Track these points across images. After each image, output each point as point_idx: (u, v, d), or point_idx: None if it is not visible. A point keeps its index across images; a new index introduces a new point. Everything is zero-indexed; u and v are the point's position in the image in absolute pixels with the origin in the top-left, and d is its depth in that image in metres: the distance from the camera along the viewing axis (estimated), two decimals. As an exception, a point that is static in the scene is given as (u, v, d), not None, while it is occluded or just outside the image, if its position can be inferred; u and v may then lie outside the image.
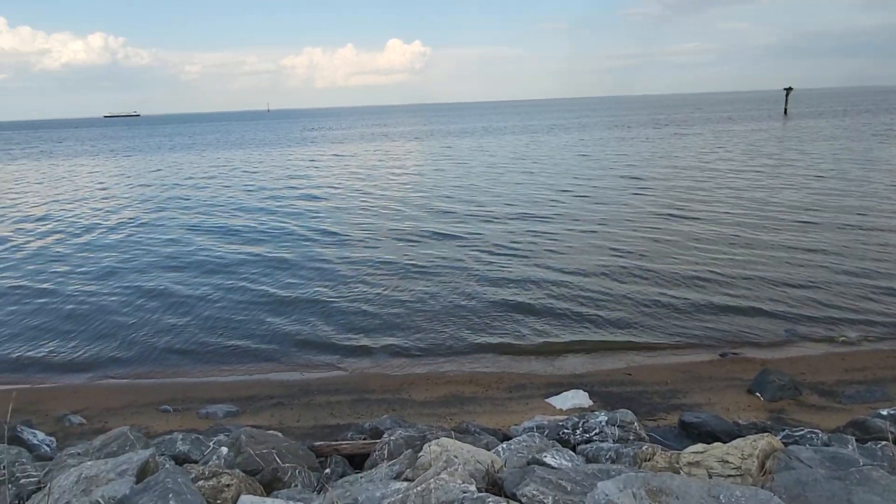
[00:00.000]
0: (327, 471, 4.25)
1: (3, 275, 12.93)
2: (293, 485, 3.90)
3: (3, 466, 3.66)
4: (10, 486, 3.20)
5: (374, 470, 4.02)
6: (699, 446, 3.39)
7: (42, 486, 3.16)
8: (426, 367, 7.86)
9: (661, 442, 5.03)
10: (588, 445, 4.44)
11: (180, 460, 4.13)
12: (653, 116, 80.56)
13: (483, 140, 48.75)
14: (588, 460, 4.09)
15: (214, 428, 5.79)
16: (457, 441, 3.54)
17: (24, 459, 4.06)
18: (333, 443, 4.79)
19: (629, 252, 12.55)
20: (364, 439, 5.06)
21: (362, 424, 5.63)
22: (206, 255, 13.91)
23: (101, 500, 2.52)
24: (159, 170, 34.52)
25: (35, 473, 3.54)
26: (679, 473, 3.27)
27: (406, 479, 3.45)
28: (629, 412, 5.25)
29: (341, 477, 4.23)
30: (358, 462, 4.67)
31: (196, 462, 4.06)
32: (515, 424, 5.81)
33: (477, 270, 11.69)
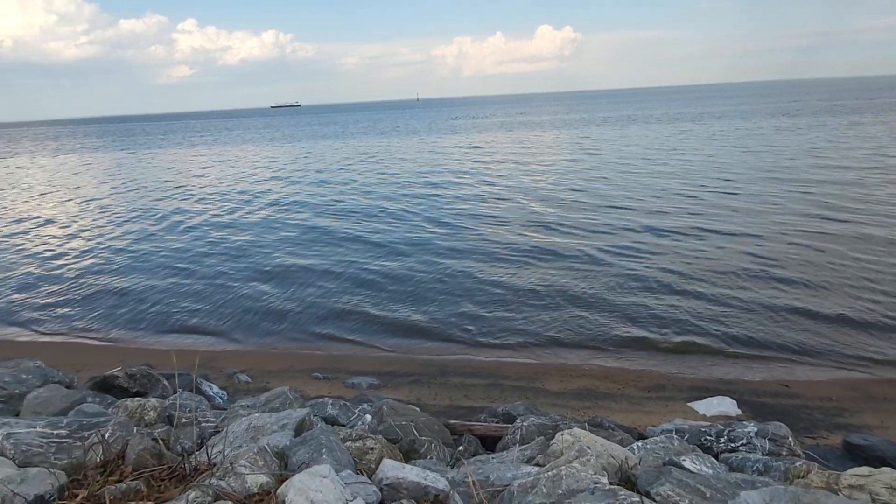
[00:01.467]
0: (461, 448, 4.42)
1: (176, 248, 14.81)
2: (428, 457, 4.11)
3: (190, 411, 4.28)
4: (193, 427, 3.71)
5: (505, 452, 4.12)
6: (864, 469, 3.05)
7: (219, 430, 3.63)
8: (561, 359, 7.81)
9: (819, 461, 4.58)
10: (732, 455, 4.17)
11: (329, 422, 4.52)
12: (831, 102, 71.40)
13: (627, 129, 46.35)
14: (731, 469, 3.85)
15: (359, 397, 6.23)
16: (590, 433, 3.51)
17: (203, 407, 4.68)
18: (467, 423, 4.96)
19: (785, 257, 11.34)
20: (497, 423, 5.17)
21: (495, 408, 5.75)
22: (348, 237, 14.84)
23: (266, 447, 2.85)
24: (306, 156, 37.33)
25: (213, 420, 4.07)
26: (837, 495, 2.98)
27: (537, 465, 3.50)
28: (783, 426, 4.83)
29: (473, 455, 4.38)
30: (489, 444, 4.80)
31: (343, 426, 4.41)
32: (653, 425, 5.60)
33: (610, 266, 11.29)
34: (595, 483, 2.73)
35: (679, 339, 8.11)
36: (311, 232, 15.79)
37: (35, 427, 3.23)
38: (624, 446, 4.01)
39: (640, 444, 4.00)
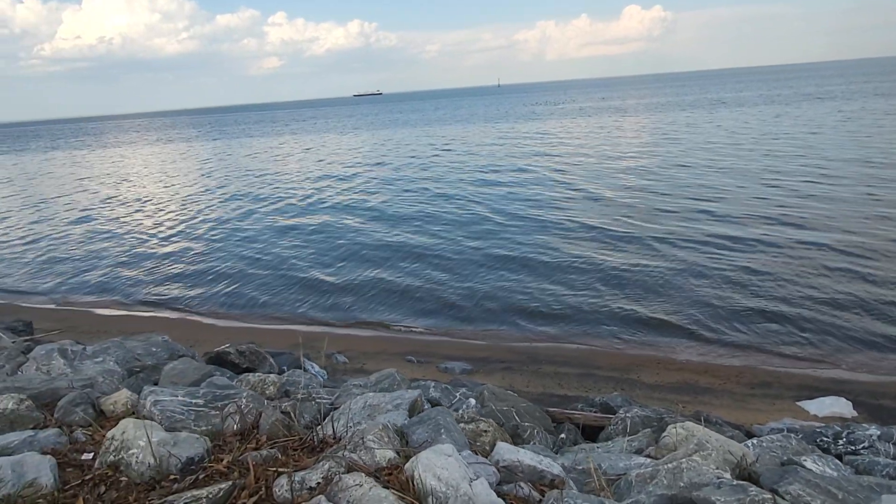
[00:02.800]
0: (562, 435, 4.43)
1: (268, 234, 15.53)
2: (532, 443, 4.15)
3: (303, 387, 4.53)
4: (312, 402, 3.92)
5: (610, 443, 4.09)
6: None
7: (335, 406, 3.82)
8: (656, 351, 7.62)
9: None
10: (857, 457, 3.94)
11: (433, 404, 4.65)
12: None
13: (716, 113, 43.91)
14: (857, 472, 3.65)
15: (454, 381, 6.36)
16: (704, 427, 3.43)
17: (314, 384, 4.93)
18: (567, 411, 4.96)
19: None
20: (595, 412, 5.13)
21: (592, 398, 5.71)
22: (431, 221, 15.03)
23: (387, 424, 2.98)
24: (384, 143, 38.01)
25: (326, 396, 4.29)
26: None
27: (648, 456, 3.46)
28: (911, 430, 4.51)
29: (574, 444, 4.38)
30: (588, 433, 4.77)
31: (446, 409, 4.53)
32: (759, 423, 5.38)
33: (702, 257, 10.81)
34: (719, 478, 2.67)
35: (786, 335, 7.70)
36: (394, 219, 16.15)
37: (177, 396, 3.54)
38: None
39: (755, 441, 3.86)
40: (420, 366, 7.49)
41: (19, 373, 4.24)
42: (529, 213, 15.54)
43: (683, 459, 2.80)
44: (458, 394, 4.88)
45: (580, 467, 3.19)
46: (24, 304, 11.46)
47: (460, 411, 4.12)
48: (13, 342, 5.63)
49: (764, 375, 6.76)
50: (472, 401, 4.41)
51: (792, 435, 4.15)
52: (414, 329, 8.96)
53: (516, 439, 4.14)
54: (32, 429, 3.30)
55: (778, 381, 6.60)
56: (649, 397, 6.28)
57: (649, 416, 4.38)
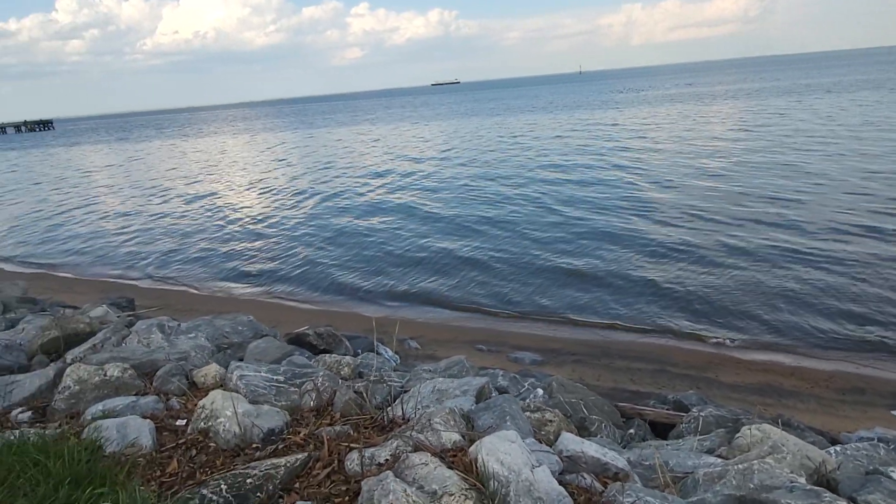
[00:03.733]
0: (631, 430, 4.38)
1: (346, 218, 16.00)
2: (599, 436, 4.13)
3: (376, 369, 4.71)
4: (384, 384, 4.08)
5: (680, 440, 4.01)
6: None
7: (406, 389, 3.96)
8: (735, 350, 7.32)
9: None
10: (957, 474, 3.66)
11: (500, 392, 4.71)
12: None
13: (812, 99, 40.81)
14: (956, 490, 3.40)
15: (523, 371, 6.39)
16: (781, 431, 3.30)
17: (386, 368, 5.11)
18: (637, 406, 4.89)
19: None
20: (668, 410, 5.02)
21: (665, 395, 5.58)
22: (500, 217, 14.98)
23: (454, 409, 3.07)
24: (457, 132, 38.03)
25: (397, 380, 4.44)
26: None
27: (719, 457, 3.38)
28: None
29: (643, 440, 4.32)
30: (659, 430, 4.68)
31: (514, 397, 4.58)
32: (848, 431, 5.08)
33: (787, 254, 10.20)
34: (792, 482, 2.58)
35: (883, 341, 7.18)
36: (463, 205, 16.23)
37: (260, 372, 3.79)
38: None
39: (839, 448, 3.67)
40: (490, 354, 7.56)
41: (123, 344, 4.66)
42: (602, 203, 15.20)
43: (755, 461, 2.73)
44: (525, 383, 4.92)
45: (647, 463, 3.16)
46: (125, 282, 12.44)
47: (527, 400, 4.16)
48: (118, 317, 6.17)
49: (857, 381, 6.35)
50: (540, 391, 4.44)
51: (881, 445, 3.91)
52: (486, 316, 9.03)
53: (583, 432, 4.13)
54: (134, 395, 3.64)
55: (872, 388, 6.18)
56: (727, 398, 6.06)
57: (724, 417, 4.25)
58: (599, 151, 24.64)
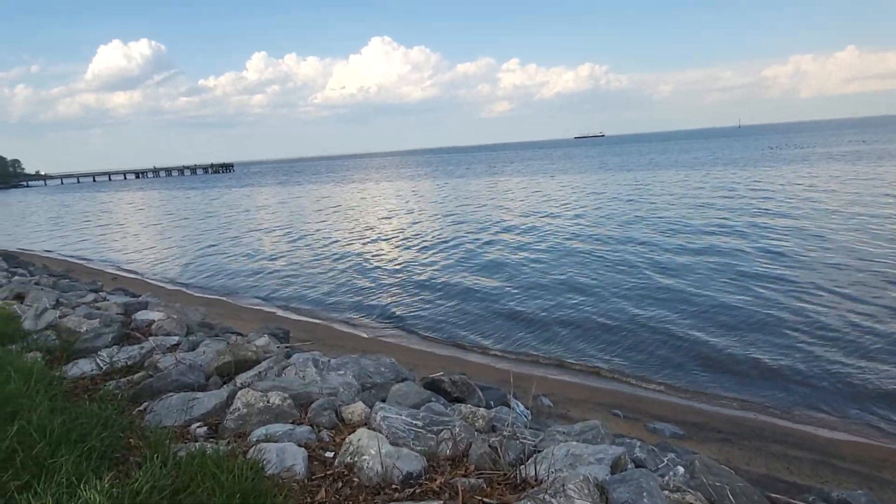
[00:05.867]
0: (786, 528, 3.97)
1: (475, 272, 16.23)
2: (747, 528, 3.79)
3: (509, 424, 4.74)
4: (517, 440, 4.10)
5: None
6: None
7: (538, 449, 3.95)
8: (921, 450, 6.34)
9: None
10: None
11: (637, 465, 4.50)
12: None
13: None
14: None
15: (662, 444, 6.03)
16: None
17: (519, 423, 5.11)
18: (794, 501, 4.41)
19: None
20: (831, 509, 4.48)
21: (828, 492, 4.97)
22: (642, 272, 14.36)
23: (588, 476, 3.02)
24: (601, 189, 37.20)
25: (529, 438, 4.43)
26: None
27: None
28: None
29: (800, 540, 3.89)
30: (820, 532, 4.19)
31: (652, 472, 4.35)
32: None
33: None
34: None
35: None
36: (595, 263, 15.82)
37: (401, 415, 4.00)
38: None
39: None
40: (626, 421, 7.23)
41: (283, 375, 5.15)
42: (752, 268, 14.07)
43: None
44: (665, 458, 4.65)
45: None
46: (281, 314, 13.66)
47: (666, 478, 3.95)
48: (277, 347, 6.81)
49: None
50: (681, 469, 4.18)
51: None
52: (623, 380, 8.68)
53: (728, 521, 3.82)
54: (291, 423, 4.00)
55: None
56: (908, 505, 5.26)
57: (903, 528, 3.71)
58: (742, 214, 22.95)
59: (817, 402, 7.55)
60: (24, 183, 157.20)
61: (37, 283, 11.13)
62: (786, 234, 18.00)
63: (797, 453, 6.26)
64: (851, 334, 9.51)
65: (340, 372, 5.35)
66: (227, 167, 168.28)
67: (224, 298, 15.36)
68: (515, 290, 13.87)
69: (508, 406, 7.05)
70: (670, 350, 9.56)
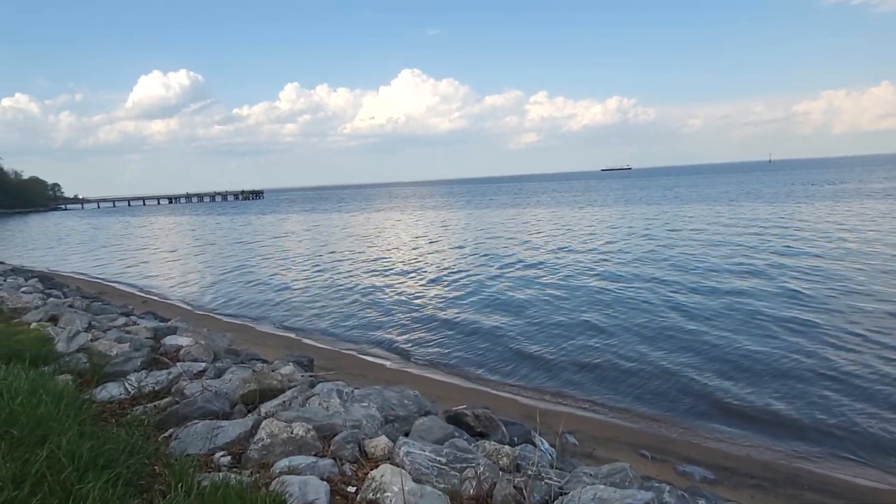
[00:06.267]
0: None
1: (519, 299, 16.10)
2: (784, 583, 3.62)
3: (534, 463, 4.64)
4: (542, 481, 4.00)
5: None
6: None
7: (564, 491, 3.85)
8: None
9: None
10: None
11: (667, 511, 4.35)
12: None
13: None
14: None
15: (691, 489, 5.84)
16: None
17: (543, 462, 5.00)
18: (833, 555, 4.21)
19: None
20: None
21: (870, 547, 4.74)
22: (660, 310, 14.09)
23: (617, 523, 2.92)
24: (623, 218, 36.82)
25: (555, 478, 4.33)
26: None
27: None
28: None
29: None
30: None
31: (681, 518, 4.21)
32: None
33: None
34: None
35: None
36: (622, 301, 15.59)
37: (424, 451, 3.94)
38: None
39: None
40: (654, 463, 7.03)
41: (307, 405, 5.13)
42: (780, 312, 13.69)
43: None
44: (696, 505, 4.50)
45: None
46: (305, 341, 13.70)
47: (698, 526, 3.81)
48: (302, 376, 6.82)
49: None
50: (713, 517, 4.03)
51: None
52: (651, 419, 8.45)
53: (764, 574, 3.65)
54: (314, 455, 3.98)
55: None
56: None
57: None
58: (767, 253, 22.48)
59: (854, 450, 7.24)
60: (63, 206, 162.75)
61: (70, 306, 11.38)
62: (815, 276, 17.54)
63: (835, 503, 5.99)
64: (884, 381, 9.15)
65: (364, 404, 5.32)
66: (256, 194, 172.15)
67: (250, 324, 15.50)
68: (538, 328, 13.67)
69: (532, 443, 6.92)
70: (695, 398, 9.21)
